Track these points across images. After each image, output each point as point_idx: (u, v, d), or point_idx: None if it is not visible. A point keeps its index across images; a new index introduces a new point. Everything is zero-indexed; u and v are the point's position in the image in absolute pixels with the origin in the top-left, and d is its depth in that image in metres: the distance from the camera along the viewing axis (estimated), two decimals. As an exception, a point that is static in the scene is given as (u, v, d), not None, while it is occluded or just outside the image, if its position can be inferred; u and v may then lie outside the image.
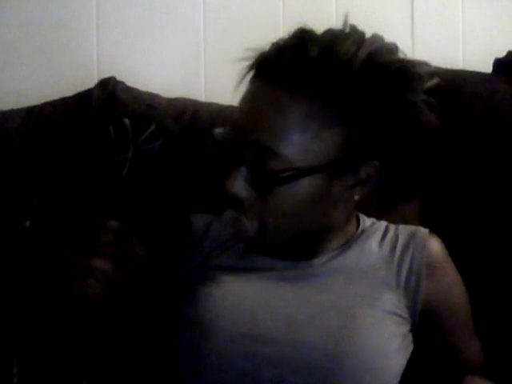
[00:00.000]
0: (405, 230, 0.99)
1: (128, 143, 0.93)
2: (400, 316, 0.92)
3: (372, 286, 0.93)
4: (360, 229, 0.99)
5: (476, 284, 1.05)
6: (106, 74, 1.27)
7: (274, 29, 1.36)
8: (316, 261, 0.95)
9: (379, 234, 0.98)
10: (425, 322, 0.95)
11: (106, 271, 0.90)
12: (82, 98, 1.21)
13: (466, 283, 1.00)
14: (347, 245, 0.96)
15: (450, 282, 0.98)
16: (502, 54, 1.23)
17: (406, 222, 1.08)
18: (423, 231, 0.99)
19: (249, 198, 0.88)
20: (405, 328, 0.93)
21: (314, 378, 0.85)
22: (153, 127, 0.95)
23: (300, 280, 0.93)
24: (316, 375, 0.85)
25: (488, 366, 1.01)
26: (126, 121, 0.94)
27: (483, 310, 1.04)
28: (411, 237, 0.97)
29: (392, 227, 1.00)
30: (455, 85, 1.20)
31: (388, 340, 0.89)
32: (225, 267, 0.96)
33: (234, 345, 0.87)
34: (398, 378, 0.90)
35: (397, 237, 0.98)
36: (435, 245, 0.98)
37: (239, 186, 0.88)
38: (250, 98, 0.89)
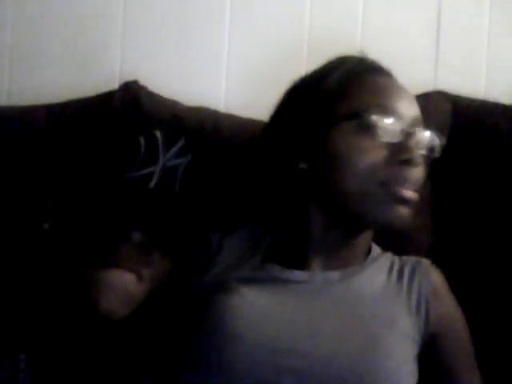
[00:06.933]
0: (409, 260, 1.04)
1: (157, 156, 0.92)
2: (413, 339, 0.95)
3: (387, 308, 0.96)
4: (370, 257, 1.03)
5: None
6: (128, 77, 1.27)
7: (298, 43, 1.36)
8: (331, 274, 0.98)
9: (387, 264, 1.03)
10: (429, 348, 0.98)
11: (126, 286, 0.90)
12: (105, 98, 1.21)
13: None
14: (358, 268, 1.00)
15: (453, 307, 1.03)
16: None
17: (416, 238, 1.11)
18: (426, 261, 1.04)
19: None
20: (415, 351, 0.96)
21: None
22: (182, 142, 0.95)
23: (316, 294, 0.97)
24: None
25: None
26: (158, 133, 0.94)
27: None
28: (416, 266, 1.02)
29: (396, 258, 1.05)
30: (477, 116, 1.20)
31: (404, 361, 0.92)
32: (243, 278, 0.98)
33: (258, 355, 0.89)
34: None
35: (402, 267, 1.03)
36: (437, 274, 1.03)
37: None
38: None
